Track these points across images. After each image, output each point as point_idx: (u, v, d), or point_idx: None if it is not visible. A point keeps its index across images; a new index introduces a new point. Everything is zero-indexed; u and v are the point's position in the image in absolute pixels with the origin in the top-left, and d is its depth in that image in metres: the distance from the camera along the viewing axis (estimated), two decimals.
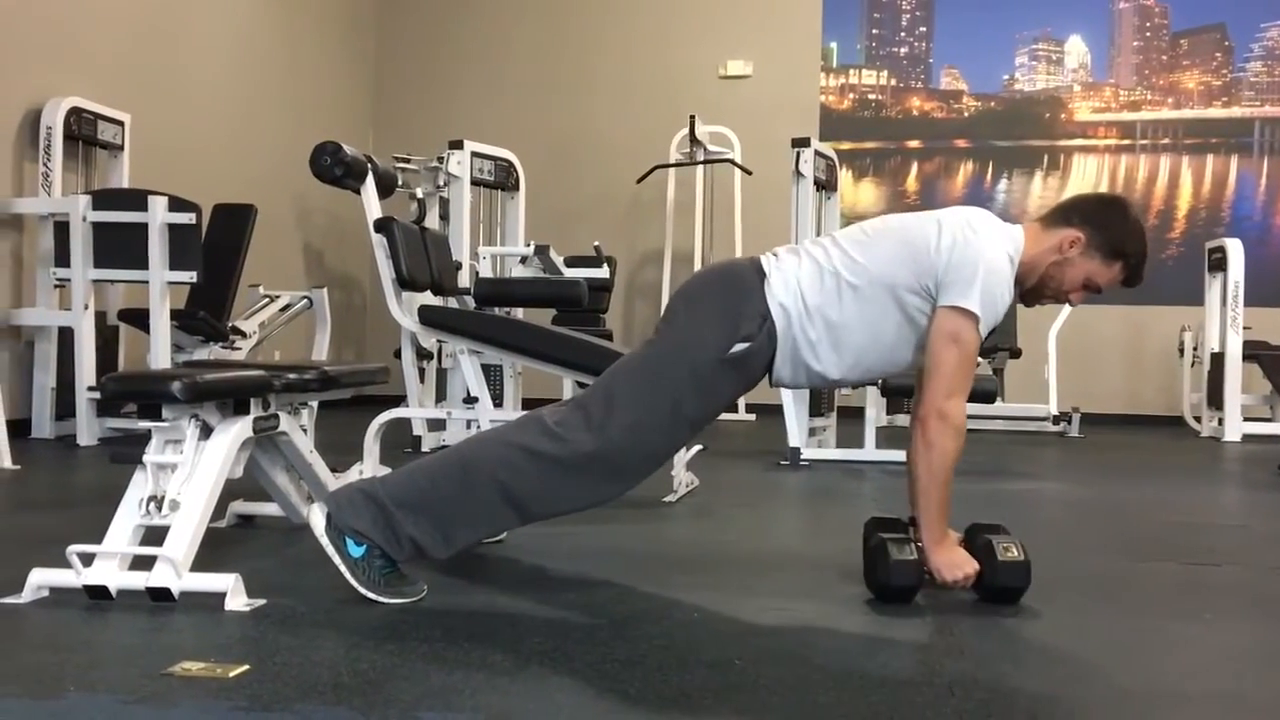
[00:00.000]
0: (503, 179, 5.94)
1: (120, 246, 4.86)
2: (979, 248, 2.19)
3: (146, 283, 4.88)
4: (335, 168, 3.40)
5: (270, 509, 2.88)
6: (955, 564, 2.22)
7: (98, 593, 2.08)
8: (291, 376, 2.50)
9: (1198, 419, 6.99)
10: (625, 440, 2.18)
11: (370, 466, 3.43)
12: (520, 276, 5.20)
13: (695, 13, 8.30)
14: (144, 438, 2.23)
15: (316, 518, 2.15)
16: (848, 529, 2.64)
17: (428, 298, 3.88)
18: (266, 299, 6.26)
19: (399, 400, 5.05)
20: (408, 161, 6.46)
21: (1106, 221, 2.28)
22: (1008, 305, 2.24)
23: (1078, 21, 8.11)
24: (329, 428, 4.39)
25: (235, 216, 5.75)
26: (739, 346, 2.20)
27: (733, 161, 7.53)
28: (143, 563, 2.11)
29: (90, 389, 4.86)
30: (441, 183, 5.82)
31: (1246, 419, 6.55)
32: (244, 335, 5.86)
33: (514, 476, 2.17)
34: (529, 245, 5.36)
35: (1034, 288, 2.32)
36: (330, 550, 2.12)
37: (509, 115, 8.15)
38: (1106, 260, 2.27)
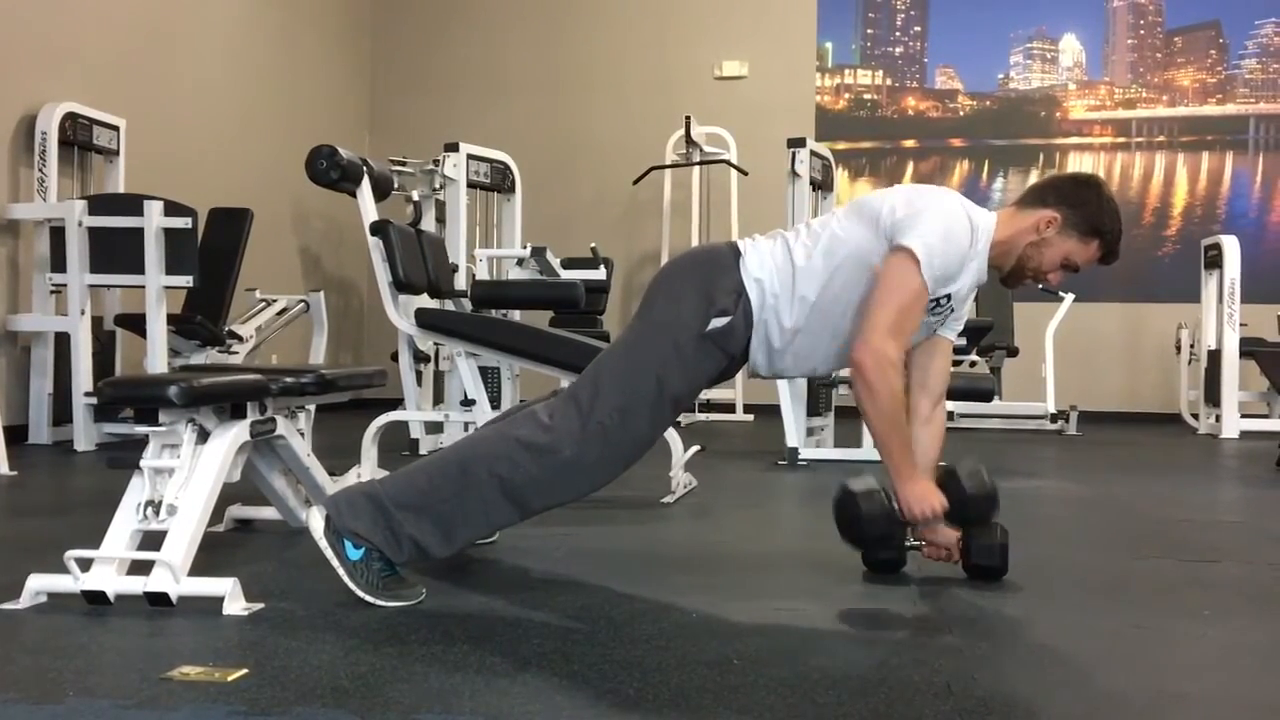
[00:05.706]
0: (499, 181, 5.94)
1: (116, 251, 4.86)
2: (927, 200, 2.24)
3: (143, 287, 4.88)
4: (331, 171, 3.41)
5: (268, 513, 2.88)
6: (924, 498, 2.24)
7: (96, 598, 2.07)
8: (288, 380, 2.50)
9: (1195, 416, 7.00)
10: (615, 423, 2.20)
11: (368, 469, 3.43)
12: (517, 278, 5.21)
13: (690, 14, 8.30)
14: (141, 442, 2.23)
15: (315, 520, 2.15)
16: None
17: (424, 300, 3.89)
18: (263, 303, 6.27)
19: (396, 403, 5.04)
20: (404, 164, 6.44)
21: (1082, 200, 2.31)
22: (962, 263, 2.24)
23: (1072, 20, 8.12)
24: (326, 431, 4.40)
25: (232, 220, 5.75)
26: (717, 321, 2.23)
27: (728, 162, 7.53)
28: (141, 567, 2.11)
29: (87, 394, 4.86)
30: (438, 185, 5.81)
31: (1244, 415, 6.57)
32: (241, 339, 5.85)
33: (512, 471, 2.18)
34: (525, 247, 5.36)
35: (1014, 269, 2.36)
36: (329, 553, 2.12)
37: (505, 118, 8.15)
38: (1084, 238, 2.31)
